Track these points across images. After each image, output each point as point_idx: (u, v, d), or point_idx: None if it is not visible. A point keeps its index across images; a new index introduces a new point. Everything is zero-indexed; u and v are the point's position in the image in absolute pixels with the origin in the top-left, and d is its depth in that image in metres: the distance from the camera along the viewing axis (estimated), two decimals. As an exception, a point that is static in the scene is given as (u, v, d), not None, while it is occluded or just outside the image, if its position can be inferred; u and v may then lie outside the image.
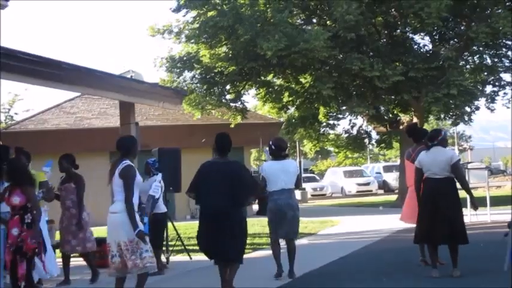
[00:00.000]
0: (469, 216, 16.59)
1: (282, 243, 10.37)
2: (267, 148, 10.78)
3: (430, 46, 27.13)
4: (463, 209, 9.76)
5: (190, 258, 12.58)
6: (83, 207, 10.36)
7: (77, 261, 11.16)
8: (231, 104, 27.30)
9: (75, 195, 10.32)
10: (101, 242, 10.80)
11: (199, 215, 9.04)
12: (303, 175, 41.89)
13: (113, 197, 8.08)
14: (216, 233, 8.54)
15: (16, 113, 43.79)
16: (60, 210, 10.56)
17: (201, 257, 9.42)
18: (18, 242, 8.20)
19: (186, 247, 13.18)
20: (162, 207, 11.09)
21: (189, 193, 8.90)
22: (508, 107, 27.09)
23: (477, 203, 10.09)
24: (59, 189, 10.54)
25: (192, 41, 25.32)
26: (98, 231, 12.11)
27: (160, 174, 10.87)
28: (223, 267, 8.78)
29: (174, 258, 12.85)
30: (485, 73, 26.77)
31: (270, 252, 10.46)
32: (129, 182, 7.76)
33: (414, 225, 10.00)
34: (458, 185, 9.53)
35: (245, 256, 9.09)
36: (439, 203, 9.29)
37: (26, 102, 58.91)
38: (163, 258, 11.78)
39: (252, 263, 10.98)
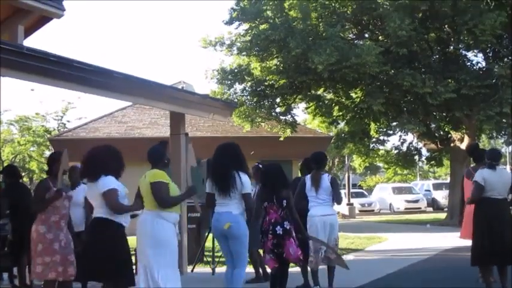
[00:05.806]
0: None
1: None
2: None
3: (484, 63, 26.75)
4: None
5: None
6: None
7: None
8: (281, 117, 27.35)
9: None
10: None
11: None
12: (351, 190, 41.45)
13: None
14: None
15: (69, 121, 44.95)
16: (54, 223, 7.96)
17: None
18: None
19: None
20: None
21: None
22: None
23: None
24: (60, 196, 7.98)
25: (244, 53, 25.52)
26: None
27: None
28: None
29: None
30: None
31: None
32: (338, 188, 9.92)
33: (464, 245, 9.77)
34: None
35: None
36: (496, 223, 9.13)
37: (79, 110, 60.26)
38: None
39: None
